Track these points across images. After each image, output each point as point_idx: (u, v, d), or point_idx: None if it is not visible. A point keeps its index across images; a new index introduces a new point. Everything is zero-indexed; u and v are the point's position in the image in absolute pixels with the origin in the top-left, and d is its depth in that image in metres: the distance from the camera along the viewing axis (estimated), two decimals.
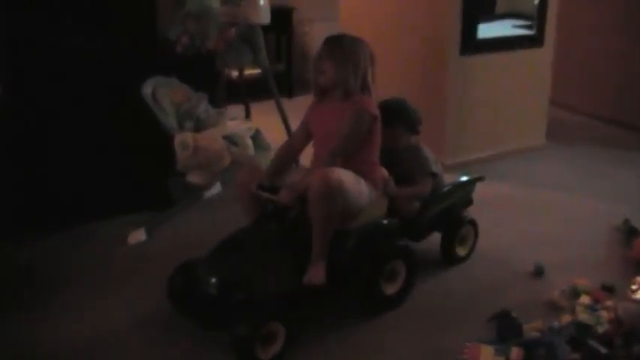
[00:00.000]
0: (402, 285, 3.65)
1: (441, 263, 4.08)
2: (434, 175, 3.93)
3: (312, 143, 3.68)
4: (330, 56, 3.44)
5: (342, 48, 3.46)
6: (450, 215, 4.10)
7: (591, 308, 3.47)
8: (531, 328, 3.31)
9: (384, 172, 3.69)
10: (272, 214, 3.37)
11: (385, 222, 3.64)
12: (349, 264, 3.42)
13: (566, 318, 3.40)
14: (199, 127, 4.49)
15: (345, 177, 3.28)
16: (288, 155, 3.77)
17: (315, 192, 3.18)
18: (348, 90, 3.43)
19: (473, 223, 4.18)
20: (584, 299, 3.56)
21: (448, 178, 4.19)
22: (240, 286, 3.14)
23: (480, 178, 4.26)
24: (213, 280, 3.13)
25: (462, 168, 5.48)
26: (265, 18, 4.93)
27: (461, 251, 4.14)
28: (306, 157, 3.79)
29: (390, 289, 3.60)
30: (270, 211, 3.39)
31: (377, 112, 3.49)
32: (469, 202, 4.24)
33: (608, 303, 3.49)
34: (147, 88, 4.35)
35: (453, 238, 4.08)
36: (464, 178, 4.23)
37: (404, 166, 3.88)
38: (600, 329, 3.26)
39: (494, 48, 5.64)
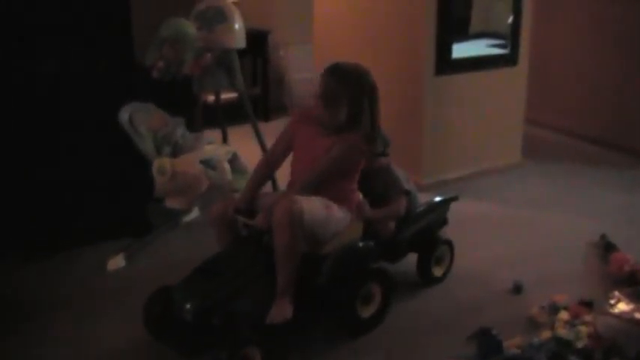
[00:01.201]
0: (378, 307, 3.63)
1: (420, 283, 4.08)
2: (407, 193, 3.92)
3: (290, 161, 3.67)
4: (321, 96, 3.44)
5: (332, 85, 3.43)
6: (426, 236, 4.08)
7: (570, 323, 3.50)
8: (511, 345, 3.33)
9: (359, 196, 3.69)
10: (247, 239, 3.38)
11: (359, 245, 3.62)
12: (324, 288, 3.40)
13: (546, 334, 3.43)
14: (177, 151, 4.49)
15: (310, 206, 3.27)
16: (264, 173, 3.74)
17: (276, 221, 3.18)
18: (338, 127, 3.44)
19: (449, 244, 4.17)
20: (563, 315, 3.59)
21: (424, 198, 4.21)
22: (215, 311, 3.13)
23: (454, 198, 4.26)
24: (188, 305, 3.11)
25: (440, 187, 5.53)
26: (241, 42, 4.95)
27: (437, 271, 4.11)
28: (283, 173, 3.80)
29: (366, 312, 3.58)
30: (245, 235, 3.40)
31: (364, 147, 3.48)
32: (444, 222, 4.23)
33: (587, 318, 3.53)
34: (124, 115, 4.35)
35: (429, 258, 4.06)
36: (438, 199, 4.22)
37: (378, 188, 3.87)
38: (580, 344, 3.29)
39: (469, 67, 5.69)
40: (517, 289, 3.98)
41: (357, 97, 3.44)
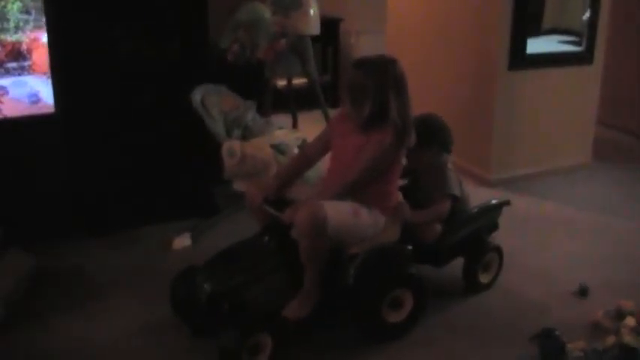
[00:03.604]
0: (407, 314, 3.49)
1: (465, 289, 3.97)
2: (454, 198, 3.74)
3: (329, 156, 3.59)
4: (347, 91, 3.34)
5: (357, 79, 3.31)
6: (474, 240, 3.93)
7: (636, 330, 3.43)
8: (575, 348, 3.28)
9: (398, 196, 3.57)
10: (273, 229, 3.35)
11: (392, 247, 3.50)
12: (351, 288, 3.31)
13: (611, 339, 3.36)
14: (247, 135, 4.52)
15: (336, 212, 3.18)
16: (301, 165, 3.65)
17: (299, 227, 3.11)
18: (376, 120, 3.29)
19: (498, 250, 4.00)
20: (630, 321, 3.51)
21: (490, 194, 4.15)
22: (230, 296, 3.16)
23: (506, 202, 4.05)
24: (205, 287, 3.16)
25: (508, 184, 5.49)
26: (315, 29, 4.97)
27: (484, 279, 3.96)
28: None
29: (394, 318, 3.45)
30: (272, 226, 3.37)
31: (396, 143, 3.32)
32: (494, 226, 4.05)
33: None
34: (196, 96, 4.39)
35: (476, 264, 3.90)
36: (490, 202, 4.03)
37: (426, 188, 3.80)
38: None
39: (542, 64, 5.61)
40: (583, 291, 3.92)
41: (381, 87, 3.26)
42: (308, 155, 3.66)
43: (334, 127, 3.57)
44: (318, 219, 3.09)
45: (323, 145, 3.60)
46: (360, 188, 3.30)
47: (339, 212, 3.20)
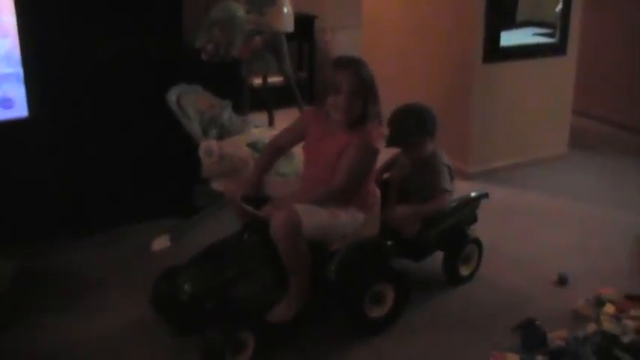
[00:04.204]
0: (389, 309, 3.50)
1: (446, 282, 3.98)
2: (448, 192, 3.77)
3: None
4: (354, 91, 3.22)
5: (364, 81, 3.25)
6: (453, 234, 3.92)
7: (616, 318, 3.46)
8: (556, 337, 3.30)
9: (375, 193, 3.53)
10: (253, 227, 3.32)
11: (371, 242, 3.50)
12: (332, 284, 3.31)
13: (592, 327, 3.39)
14: (224, 134, 4.51)
15: (311, 215, 3.16)
16: (274, 157, 3.65)
17: (274, 232, 3.09)
18: (358, 120, 3.27)
19: (477, 242, 4.01)
20: (609, 308, 3.55)
21: (470, 186, 4.16)
22: (212, 295, 3.14)
23: (484, 195, 4.05)
24: (187, 287, 3.13)
25: (486, 175, 5.51)
26: (289, 26, 4.97)
27: (464, 271, 3.97)
28: None
29: (376, 312, 3.46)
30: (252, 223, 3.35)
31: (380, 145, 3.34)
32: (473, 219, 4.05)
33: (634, 312, 3.49)
34: (172, 96, 4.37)
35: (456, 257, 3.91)
36: (469, 195, 4.03)
37: (416, 180, 3.80)
38: (626, 339, 3.25)
39: (517, 56, 5.63)
40: (562, 280, 3.95)
41: (370, 86, 3.28)
42: (279, 146, 3.65)
43: (308, 126, 3.51)
44: (292, 225, 3.08)
45: (295, 135, 3.58)
46: (346, 194, 3.29)
47: (315, 215, 3.19)
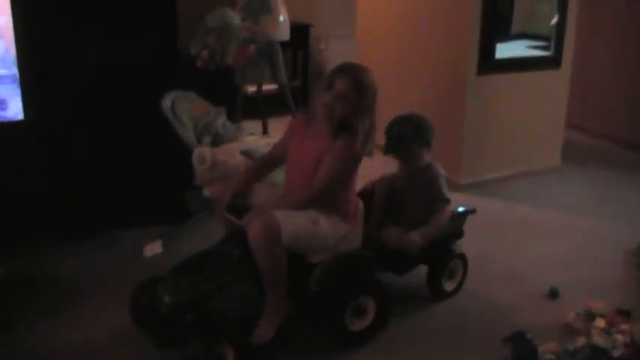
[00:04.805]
0: (371, 322, 3.46)
1: (429, 297, 3.94)
2: (449, 202, 3.75)
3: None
4: (344, 95, 3.18)
5: (358, 90, 3.20)
6: (438, 248, 3.84)
7: (607, 332, 3.46)
8: (546, 350, 3.31)
9: (358, 202, 3.49)
10: (236, 237, 3.26)
11: (353, 255, 3.46)
12: (314, 296, 3.29)
13: (582, 341, 3.39)
14: (217, 141, 4.50)
15: (291, 223, 3.13)
16: (259, 172, 3.62)
17: (252, 241, 3.06)
18: (343, 127, 3.23)
19: (462, 257, 3.96)
20: (600, 322, 3.55)
21: (462, 199, 4.15)
22: (191, 306, 3.10)
23: (471, 211, 4.01)
24: (166, 298, 3.09)
25: (478, 188, 5.52)
26: (284, 35, 4.98)
27: (448, 286, 3.92)
28: None
29: (357, 325, 3.41)
30: (235, 233, 3.30)
31: (359, 152, 3.24)
32: (459, 234, 4.00)
33: (624, 327, 3.49)
34: (166, 102, 4.37)
35: (440, 272, 3.86)
36: (458, 210, 3.96)
37: (413, 191, 3.79)
38: (616, 353, 3.26)
39: (511, 68, 5.65)
40: (553, 294, 3.95)
41: (365, 95, 3.22)
42: (267, 161, 3.64)
43: (294, 130, 3.51)
44: (271, 232, 3.04)
45: (284, 147, 3.55)
46: (325, 199, 3.26)
47: (295, 221, 3.16)
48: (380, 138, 3.54)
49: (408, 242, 3.58)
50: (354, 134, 3.22)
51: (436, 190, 3.75)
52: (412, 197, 3.80)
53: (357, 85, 3.19)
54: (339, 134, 3.23)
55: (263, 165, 3.64)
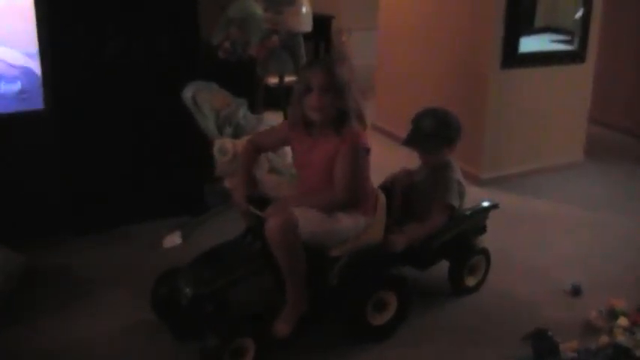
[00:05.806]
0: (392, 316, 3.44)
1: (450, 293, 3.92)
2: (452, 208, 3.69)
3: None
4: (326, 89, 3.14)
5: (335, 77, 3.16)
6: (460, 243, 3.84)
7: (630, 330, 3.42)
8: (567, 348, 3.27)
9: (380, 195, 3.45)
10: (256, 230, 3.23)
11: (375, 249, 3.41)
12: (335, 290, 3.28)
13: (604, 339, 3.36)
14: (238, 132, 4.49)
15: (309, 218, 3.10)
16: (253, 158, 3.56)
17: (269, 236, 3.03)
18: (339, 120, 3.19)
19: (485, 252, 3.94)
20: (622, 321, 3.51)
21: (482, 193, 4.10)
22: (212, 298, 3.10)
23: (495, 206, 3.97)
24: (187, 290, 3.09)
25: (499, 182, 5.48)
26: (307, 26, 4.96)
27: (470, 282, 3.89)
28: None
29: (378, 320, 3.41)
30: (255, 225, 3.27)
31: (368, 143, 3.23)
32: (482, 229, 3.96)
33: None
34: (187, 93, 4.37)
35: (462, 267, 3.83)
36: (480, 205, 3.94)
37: (424, 187, 3.76)
38: (638, 352, 3.22)
39: (535, 62, 5.60)
40: (575, 291, 3.90)
41: (343, 85, 3.18)
42: (259, 146, 3.58)
43: (292, 143, 3.46)
44: (288, 228, 3.01)
45: (276, 141, 3.56)
46: (350, 201, 3.22)
47: (314, 218, 3.13)
48: (401, 130, 3.50)
49: (389, 243, 3.49)
50: (353, 127, 3.19)
51: (443, 191, 3.67)
52: (422, 194, 3.77)
53: (329, 72, 3.16)
54: (339, 130, 3.19)
55: (252, 154, 3.56)
